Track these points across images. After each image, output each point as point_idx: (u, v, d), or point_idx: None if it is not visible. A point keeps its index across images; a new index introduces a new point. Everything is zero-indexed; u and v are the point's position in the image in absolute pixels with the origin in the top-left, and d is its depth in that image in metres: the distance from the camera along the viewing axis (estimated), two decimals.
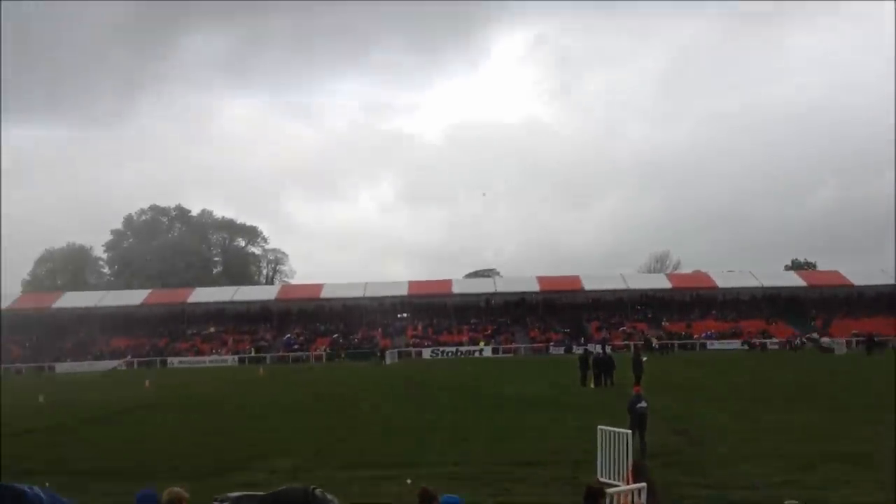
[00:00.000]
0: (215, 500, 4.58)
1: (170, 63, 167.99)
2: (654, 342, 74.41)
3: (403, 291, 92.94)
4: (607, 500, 11.84)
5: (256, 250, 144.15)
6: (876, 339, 66.94)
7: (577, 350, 64.46)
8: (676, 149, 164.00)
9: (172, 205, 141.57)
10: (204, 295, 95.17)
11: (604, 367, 39.36)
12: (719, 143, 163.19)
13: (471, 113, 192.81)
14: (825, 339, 73.90)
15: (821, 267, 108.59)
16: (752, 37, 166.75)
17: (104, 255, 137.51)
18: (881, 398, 29.08)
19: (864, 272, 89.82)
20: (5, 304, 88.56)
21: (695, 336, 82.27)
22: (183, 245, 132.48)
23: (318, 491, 0.82)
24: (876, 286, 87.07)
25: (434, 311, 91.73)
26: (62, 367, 78.80)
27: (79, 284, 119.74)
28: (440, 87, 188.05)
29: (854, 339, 72.54)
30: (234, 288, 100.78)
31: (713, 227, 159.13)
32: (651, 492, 12.46)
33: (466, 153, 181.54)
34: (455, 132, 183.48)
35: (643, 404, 19.35)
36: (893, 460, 16.69)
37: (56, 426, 28.75)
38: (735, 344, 78.24)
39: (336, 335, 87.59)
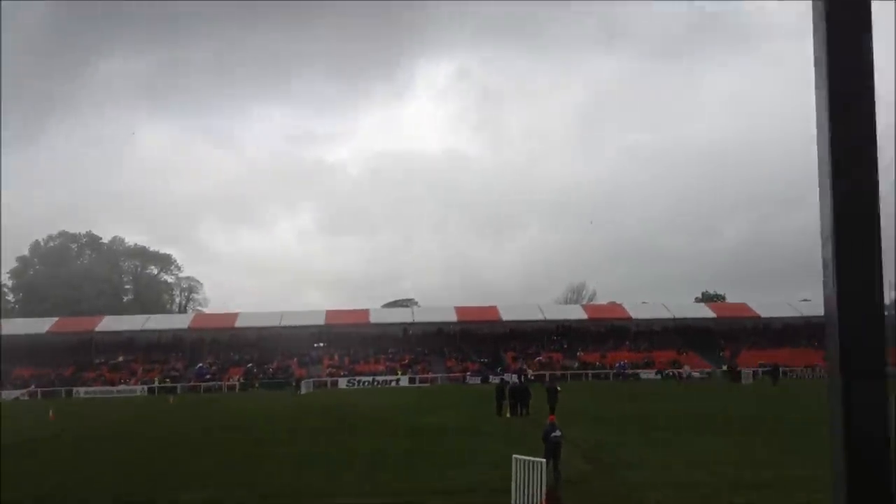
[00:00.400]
0: None
1: (84, 86, 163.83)
2: (530, 373, 75.21)
3: (320, 321, 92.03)
4: None
5: (169, 278, 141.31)
6: (781, 368, 68.99)
7: (494, 380, 64.65)
8: (594, 182, 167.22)
9: (83, 231, 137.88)
10: (113, 323, 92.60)
11: (519, 396, 39.54)
12: (635, 178, 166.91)
13: (393, 143, 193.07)
14: (686, 369, 78.88)
15: (729, 299, 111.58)
16: (668, 75, 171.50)
17: (9, 283, 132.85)
18: (786, 426, 29.89)
19: (770, 304, 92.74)
20: None
21: (609, 366, 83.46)
22: (93, 272, 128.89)
23: None
24: (781, 318, 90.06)
25: (351, 340, 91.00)
26: None
27: None
28: (363, 118, 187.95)
29: (760, 369, 74.51)
30: (146, 316, 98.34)
31: (629, 260, 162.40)
32: None
33: (387, 183, 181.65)
34: (376, 162, 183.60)
35: (557, 433, 19.47)
36: (798, 488, 17.12)
37: None
38: (650, 373, 79.78)
39: (250, 364, 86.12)
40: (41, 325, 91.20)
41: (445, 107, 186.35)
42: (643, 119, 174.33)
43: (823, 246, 1.42)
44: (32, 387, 79.60)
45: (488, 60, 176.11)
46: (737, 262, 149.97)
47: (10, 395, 76.48)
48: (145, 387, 79.85)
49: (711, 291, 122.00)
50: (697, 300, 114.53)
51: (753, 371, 73.35)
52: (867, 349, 1.40)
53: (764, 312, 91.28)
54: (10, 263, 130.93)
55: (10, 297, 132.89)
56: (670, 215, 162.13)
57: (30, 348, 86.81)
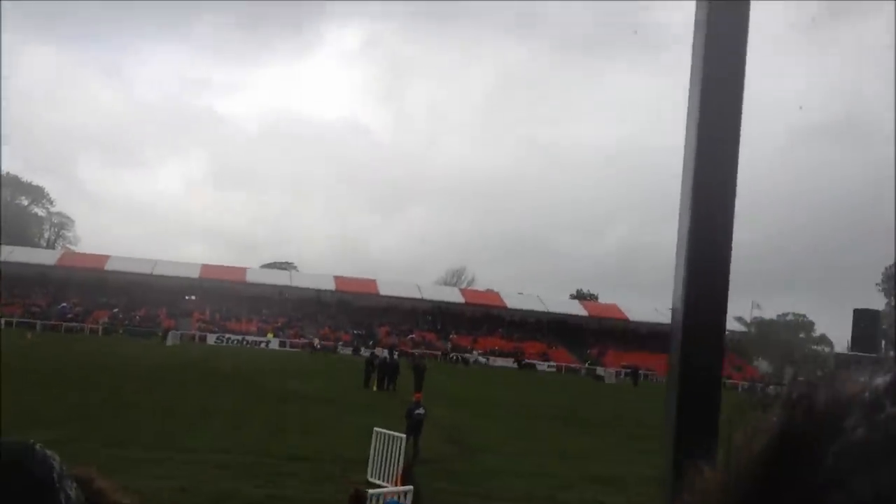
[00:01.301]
0: None
1: None
2: (316, 342, 76.48)
3: (195, 274, 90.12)
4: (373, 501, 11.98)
5: (40, 212, 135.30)
6: (641, 372, 71.57)
7: (365, 352, 64.76)
8: (488, 171, 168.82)
9: None
10: None
11: (388, 371, 39.85)
12: (529, 172, 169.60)
13: (292, 102, 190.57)
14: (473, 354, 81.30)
15: (602, 300, 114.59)
16: (574, 70, 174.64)
17: None
18: (641, 425, 31.08)
19: (638, 308, 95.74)
20: None
21: (477, 351, 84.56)
22: None
23: (38, 446, 0.76)
24: (648, 323, 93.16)
25: (225, 297, 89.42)
26: None
27: None
28: (262, 72, 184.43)
29: (623, 370, 77.00)
30: (9, 248, 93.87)
31: (510, 250, 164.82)
32: (417, 495, 12.72)
33: (281, 142, 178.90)
34: (273, 119, 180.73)
35: (421, 411, 19.74)
36: (642, 483, 17.87)
37: None
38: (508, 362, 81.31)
39: (116, 309, 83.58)
40: None
41: (349, 73, 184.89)
42: (544, 111, 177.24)
43: (677, 257, 1.52)
44: None
45: (399, 30, 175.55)
46: (612, 265, 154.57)
47: None
48: (3, 320, 76.43)
49: (586, 290, 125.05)
50: (572, 297, 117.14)
51: (616, 371, 75.86)
52: (705, 360, 1.48)
53: (632, 316, 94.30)
54: None
55: None
56: (556, 210, 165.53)
57: None
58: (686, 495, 0.47)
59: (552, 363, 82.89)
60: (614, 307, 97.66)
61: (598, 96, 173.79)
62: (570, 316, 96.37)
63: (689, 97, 1.62)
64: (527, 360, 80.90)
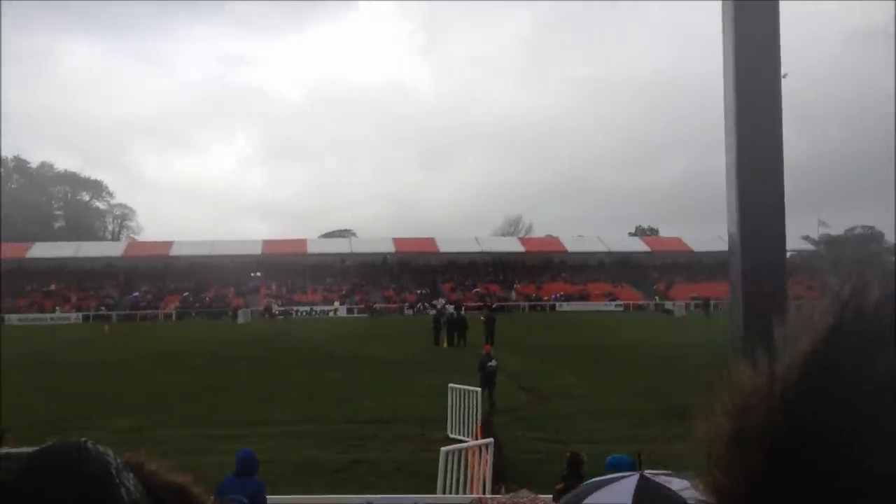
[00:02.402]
0: None
1: None
2: (275, 307, 77.65)
3: (257, 250, 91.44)
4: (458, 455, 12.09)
5: (101, 205, 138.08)
6: (712, 302, 70.62)
7: (431, 311, 65.15)
8: (535, 115, 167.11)
9: (10, 156, 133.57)
10: (44, 250, 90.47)
11: (457, 327, 40.04)
12: (576, 111, 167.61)
13: (332, 69, 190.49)
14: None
15: (663, 233, 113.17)
16: (613, 4, 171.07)
17: None
18: (717, 357, 30.76)
19: (702, 239, 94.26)
20: None
21: (544, 298, 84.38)
22: (21, 198, 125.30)
23: (90, 444, 0.75)
24: (713, 252, 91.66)
25: (289, 270, 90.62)
26: None
27: None
28: (301, 41, 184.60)
29: (692, 303, 76.14)
30: (77, 244, 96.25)
31: (566, 193, 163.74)
32: (498, 446, 12.81)
33: (326, 110, 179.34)
34: (315, 88, 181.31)
35: (493, 363, 19.83)
36: None
37: None
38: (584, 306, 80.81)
39: (186, 293, 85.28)
40: None
41: (389, 31, 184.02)
42: (586, 51, 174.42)
43: (727, 181, 1.45)
44: None
45: None
46: (672, 197, 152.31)
47: None
48: (80, 314, 78.52)
49: (646, 225, 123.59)
50: (632, 234, 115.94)
51: (686, 304, 75.03)
52: (768, 283, 1.43)
53: (696, 247, 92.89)
54: None
55: None
56: (608, 149, 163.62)
57: None
58: (728, 396, 0.44)
59: (619, 302, 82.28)
60: (677, 240, 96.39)
61: (636, 27, 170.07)
62: (633, 253, 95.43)
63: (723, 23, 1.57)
64: (498, 304, 77.52)
